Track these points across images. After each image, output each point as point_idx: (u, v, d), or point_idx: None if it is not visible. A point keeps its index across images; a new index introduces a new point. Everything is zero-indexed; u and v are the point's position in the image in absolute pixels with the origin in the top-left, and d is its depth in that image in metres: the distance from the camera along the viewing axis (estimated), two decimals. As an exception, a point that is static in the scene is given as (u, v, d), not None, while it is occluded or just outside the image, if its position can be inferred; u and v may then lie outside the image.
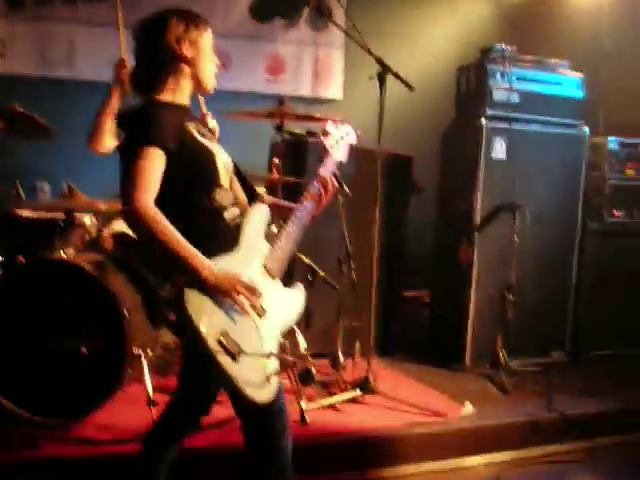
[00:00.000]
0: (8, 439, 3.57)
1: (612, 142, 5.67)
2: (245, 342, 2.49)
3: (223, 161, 2.72)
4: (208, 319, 2.43)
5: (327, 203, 2.91)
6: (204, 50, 2.75)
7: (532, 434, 4.28)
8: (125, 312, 3.73)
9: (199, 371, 2.69)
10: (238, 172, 2.86)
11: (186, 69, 2.71)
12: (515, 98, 5.34)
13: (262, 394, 2.51)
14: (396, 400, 4.45)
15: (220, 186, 2.68)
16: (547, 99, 5.47)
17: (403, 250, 5.68)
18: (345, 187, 4.33)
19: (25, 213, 4.32)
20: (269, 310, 2.61)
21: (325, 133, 3.00)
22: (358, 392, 4.44)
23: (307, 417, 4.00)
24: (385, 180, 5.02)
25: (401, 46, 6.52)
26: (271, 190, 4.61)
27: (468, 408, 4.38)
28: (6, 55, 5.93)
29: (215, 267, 2.46)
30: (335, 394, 4.43)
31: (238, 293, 2.46)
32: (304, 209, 2.81)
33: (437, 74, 6.42)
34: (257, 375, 2.52)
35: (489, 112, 5.29)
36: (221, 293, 2.45)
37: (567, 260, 5.59)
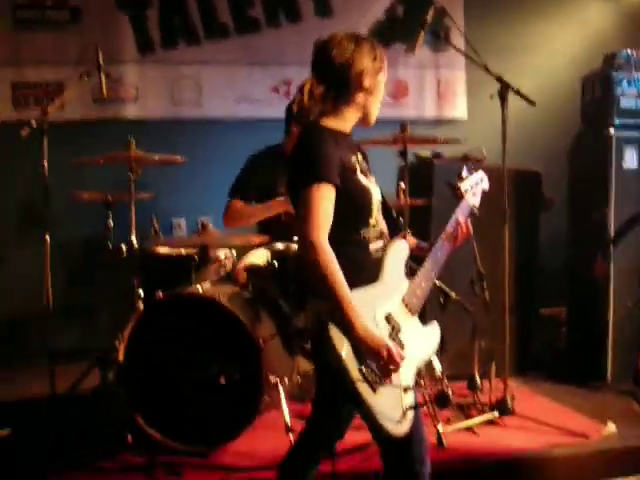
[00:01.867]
0: (150, 466, 3.72)
1: None
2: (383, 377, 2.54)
3: (377, 199, 2.78)
4: (349, 349, 2.49)
5: (462, 244, 2.95)
6: (380, 85, 2.79)
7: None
8: (261, 342, 3.83)
9: (332, 396, 2.75)
10: (384, 203, 2.91)
11: (361, 98, 2.75)
12: (645, 104, 5.21)
13: (399, 427, 2.54)
14: (535, 421, 4.38)
15: (370, 224, 2.74)
16: (680, 102, 5.29)
17: (537, 267, 5.58)
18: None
19: (163, 250, 4.52)
20: (407, 345, 2.65)
21: (460, 178, 3.06)
22: (495, 414, 4.38)
23: (444, 440, 3.98)
24: (514, 197, 4.99)
25: (522, 60, 6.47)
26: (400, 214, 4.65)
27: (610, 428, 4.24)
28: (139, 99, 6.23)
29: (357, 299, 2.51)
30: (472, 416, 4.39)
31: (380, 355, 2.50)
32: (440, 249, 2.87)
33: (561, 85, 6.30)
34: (394, 408, 2.55)
35: (617, 121, 5.16)
36: (363, 348, 2.49)
37: None
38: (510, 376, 4.58)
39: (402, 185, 4.61)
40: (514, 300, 4.99)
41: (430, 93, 6.67)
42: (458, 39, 5.47)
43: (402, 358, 2.53)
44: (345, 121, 2.76)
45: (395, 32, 6.53)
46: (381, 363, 2.50)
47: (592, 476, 3.98)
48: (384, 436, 2.54)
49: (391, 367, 2.51)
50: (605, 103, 5.24)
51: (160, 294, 4.00)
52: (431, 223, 5.01)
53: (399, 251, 2.79)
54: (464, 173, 3.09)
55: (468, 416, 4.41)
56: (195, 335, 3.90)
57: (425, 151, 5.34)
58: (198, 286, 4.10)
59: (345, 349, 2.48)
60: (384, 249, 2.76)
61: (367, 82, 2.72)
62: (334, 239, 2.56)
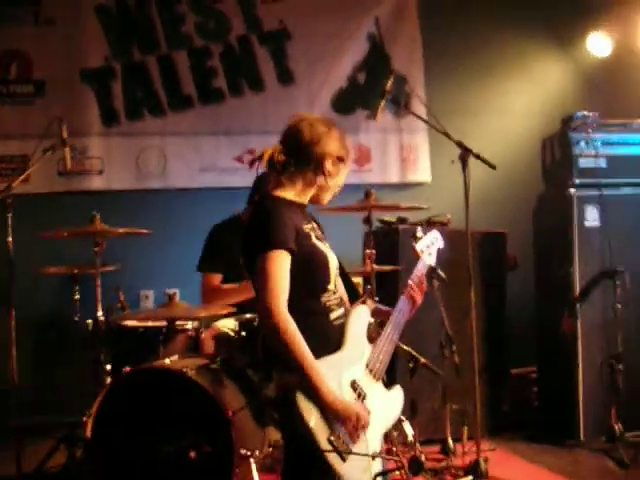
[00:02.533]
0: None
1: None
2: (352, 443, 2.55)
3: (334, 265, 2.81)
4: (317, 419, 2.51)
5: (421, 304, 2.98)
6: (340, 173, 2.85)
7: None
8: (230, 414, 3.78)
9: (301, 468, 2.72)
10: (342, 270, 2.94)
11: (319, 180, 2.80)
12: (603, 163, 5.30)
13: None
14: (509, 483, 4.36)
15: (329, 290, 2.77)
16: (636, 160, 5.39)
17: (506, 327, 5.60)
18: (440, 271, 4.32)
19: (129, 322, 4.49)
20: (373, 412, 2.66)
21: (415, 238, 3.12)
22: (469, 478, 4.35)
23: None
24: (480, 259, 5.06)
25: (482, 121, 6.60)
26: (366, 281, 4.67)
27: (585, 487, 4.24)
28: (105, 171, 6.22)
29: (322, 367, 2.54)
30: (447, 481, 4.36)
31: (350, 423, 2.53)
32: (400, 312, 2.91)
33: (522, 148, 6.40)
34: (363, 476, 2.56)
35: (577, 181, 5.25)
36: (331, 413, 2.52)
37: (676, 322, 5.38)
38: (483, 438, 4.57)
39: (368, 251, 4.64)
40: (484, 361, 5.00)
41: (393, 158, 6.69)
42: (419, 104, 5.57)
43: (369, 421, 2.58)
44: (299, 195, 2.82)
45: (357, 99, 6.61)
46: (350, 427, 2.52)
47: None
48: None
49: (360, 430, 2.54)
50: (564, 164, 5.34)
51: (127, 368, 3.96)
52: (398, 289, 5.00)
53: (360, 316, 2.83)
54: (418, 233, 3.16)
55: (442, 481, 4.37)
56: (164, 409, 3.82)
57: (390, 216, 5.37)
58: (166, 359, 4.06)
59: (314, 419, 2.49)
60: (345, 316, 2.79)
61: (328, 165, 2.78)
62: (296, 309, 2.59)
